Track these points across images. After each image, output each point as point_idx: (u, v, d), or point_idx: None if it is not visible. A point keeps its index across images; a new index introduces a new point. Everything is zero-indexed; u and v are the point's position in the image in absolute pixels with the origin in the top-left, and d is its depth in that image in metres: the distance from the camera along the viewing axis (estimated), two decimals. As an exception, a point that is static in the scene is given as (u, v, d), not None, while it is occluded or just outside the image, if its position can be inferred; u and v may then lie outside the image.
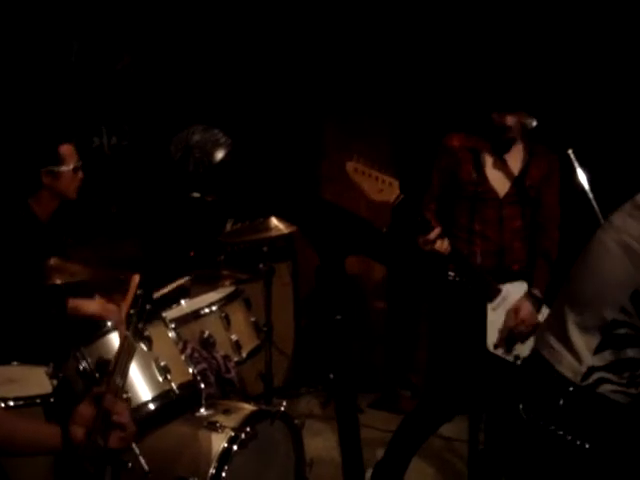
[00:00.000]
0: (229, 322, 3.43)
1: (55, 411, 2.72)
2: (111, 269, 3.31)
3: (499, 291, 3.30)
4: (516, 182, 3.40)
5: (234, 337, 3.43)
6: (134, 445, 2.59)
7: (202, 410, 3.02)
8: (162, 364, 2.87)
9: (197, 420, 2.97)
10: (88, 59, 4.51)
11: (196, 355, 3.13)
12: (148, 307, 2.07)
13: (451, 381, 3.44)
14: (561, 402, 2.06)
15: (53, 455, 2.01)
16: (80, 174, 3.38)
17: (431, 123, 4.77)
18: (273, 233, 4.05)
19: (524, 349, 3.28)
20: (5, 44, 4.14)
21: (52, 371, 2.82)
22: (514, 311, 3.31)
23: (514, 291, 3.35)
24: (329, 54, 5.16)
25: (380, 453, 3.65)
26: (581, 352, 2.06)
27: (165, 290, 3.30)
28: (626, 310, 2.00)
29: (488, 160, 3.42)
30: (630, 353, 2.02)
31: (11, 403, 2.63)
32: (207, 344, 3.26)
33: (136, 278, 2.14)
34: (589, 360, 2.04)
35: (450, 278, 3.29)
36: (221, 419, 2.95)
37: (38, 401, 2.72)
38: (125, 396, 2.62)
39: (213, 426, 2.90)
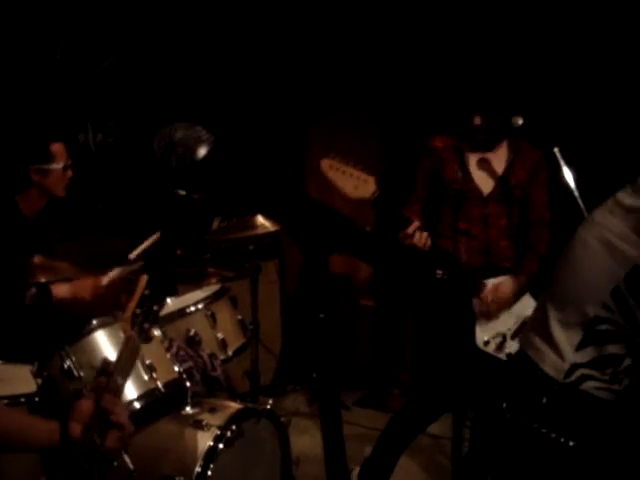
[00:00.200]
0: (215, 320, 3.42)
1: (39, 410, 2.71)
2: (97, 266, 3.31)
3: (485, 287, 3.30)
4: (501, 180, 3.41)
5: (220, 335, 3.42)
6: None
7: (188, 408, 3.01)
8: (147, 362, 2.86)
9: (183, 418, 2.96)
10: (74, 56, 4.48)
11: (182, 353, 3.12)
12: (155, 308, 2.07)
13: (439, 379, 3.44)
14: (544, 400, 2.07)
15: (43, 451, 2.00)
16: (69, 173, 3.37)
17: (417, 119, 4.78)
18: (259, 231, 4.04)
19: (516, 347, 3.29)
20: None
21: (37, 370, 2.81)
22: (493, 289, 3.31)
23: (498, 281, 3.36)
24: (314, 51, 5.16)
25: (367, 451, 3.65)
26: (563, 349, 2.06)
27: (138, 250, 3.28)
28: (608, 306, 2.01)
29: (472, 159, 3.43)
30: (612, 349, 2.03)
31: (-5, 401, 2.62)
32: (193, 342, 3.26)
33: (144, 278, 2.13)
34: (571, 357, 2.05)
35: (437, 276, 3.29)
36: (207, 417, 2.94)
37: (23, 400, 2.70)
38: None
39: (199, 424, 2.89)
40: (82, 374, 2.79)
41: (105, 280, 3.14)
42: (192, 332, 3.29)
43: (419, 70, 4.88)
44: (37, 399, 2.72)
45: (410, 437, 3.59)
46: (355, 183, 2.96)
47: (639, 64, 4.07)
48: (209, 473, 2.77)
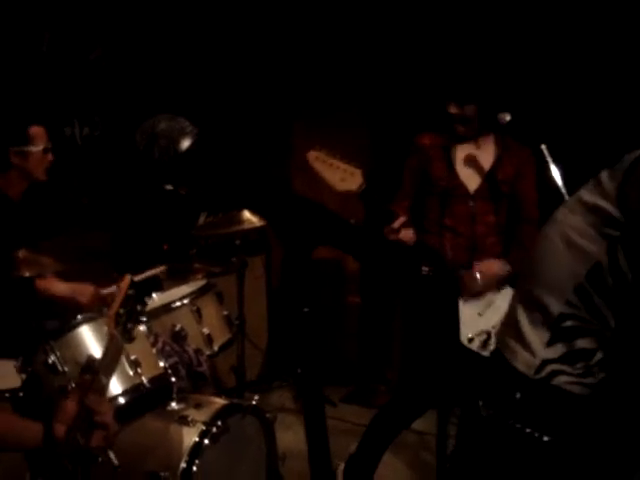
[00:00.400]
0: (201, 315, 3.40)
1: (23, 405, 2.70)
2: (82, 261, 3.29)
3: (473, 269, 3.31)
4: (488, 177, 3.41)
5: (206, 330, 3.41)
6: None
7: (173, 404, 3.01)
8: (132, 358, 2.85)
9: (168, 414, 2.95)
10: (60, 49, 4.45)
11: (167, 349, 3.11)
12: (139, 308, 2.06)
13: (424, 375, 3.44)
14: (517, 396, 2.08)
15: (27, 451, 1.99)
16: (50, 156, 3.36)
17: (403, 114, 4.77)
18: (246, 226, 4.04)
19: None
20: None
21: (21, 365, 2.79)
22: (484, 265, 3.32)
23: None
24: (300, 46, 5.15)
25: (353, 447, 3.65)
26: (534, 346, 2.07)
27: (143, 276, 3.26)
28: (572, 303, 2.02)
29: (459, 156, 3.43)
30: (581, 344, 2.04)
31: (-21, 397, 2.60)
32: (178, 337, 3.24)
33: (128, 278, 2.13)
34: (542, 353, 2.06)
35: (422, 273, 3.29)
36: (192, 413, 2.93)
37: (7, 395, 2.69)
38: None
39: (184, 420, 2.88)
40: (67, 369, 2.77)
41: (106, 291, 3.12)
42: (178, 327, 3.27)
43: (405, 65, 4.88)
44: (21, 394, 2.71)
45: (394, 433, 3.59)
46: (342, 175, 2.96)
47: (626, 61, 4.07)
48: (194, 469, 2.77)
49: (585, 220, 2.00)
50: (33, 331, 2.92)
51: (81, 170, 4.58)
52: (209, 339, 3.43)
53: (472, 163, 3.42)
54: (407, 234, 3.11)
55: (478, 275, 3.29)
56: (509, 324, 2.21)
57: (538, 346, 2.07)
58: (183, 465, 2.77)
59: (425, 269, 3.28)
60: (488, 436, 2.21)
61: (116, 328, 2.00)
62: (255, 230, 4.20)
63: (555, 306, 2.04)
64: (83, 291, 3.08)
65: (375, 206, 3.10)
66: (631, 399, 2.10)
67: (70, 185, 4.40)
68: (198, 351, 3.29)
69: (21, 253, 3.15)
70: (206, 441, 2.82)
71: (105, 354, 1.97)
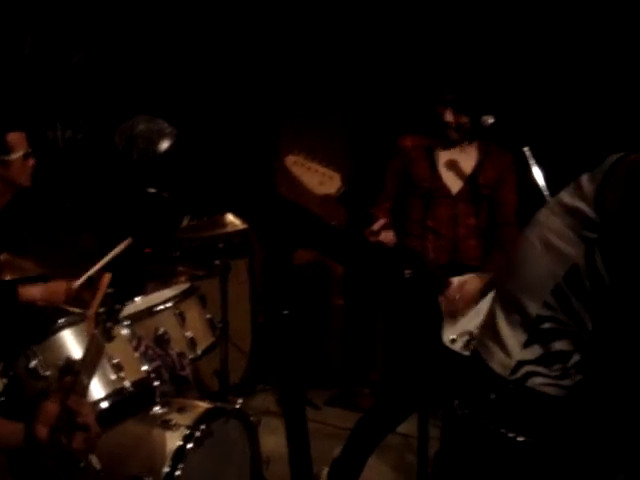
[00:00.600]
0: (184, 319, 3.39)
1: (5, 410, 2.68)
2: (65, 266, 3.27)
3: (451, 284, 3.31)
4: (469, 180, 3.42)
5: (189, 334, 3.40)
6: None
7: (156, 408, 2.99)
8: (115, 361, 2.84)
9: (151, 418, 2.94)
10: (42, 52, 4.43)
11: (150, 352, 3.10)
12: (117, 307, 2.05)
13: (408, 378, 3.44)
14: (492, 396, 2.09)
15: (5, 453, 1.98)
16: (31, 161, 3.32)
17: (387, 120, 4.78)
18: (229, 229, 4.02)
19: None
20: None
21: (2, 370, 2.77)
22: (459, 285, 3.32)
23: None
24: (284, 49, 5.14)
25: (337, 450, 3.64)
26: (510, 347, 2.08)
27: (109, 256, 3.24)
28: (549, 305, 2.03)
29: (442, 158, 3.44)
30: (558, 346, 2.05)
31: (-41, 402, 2.58)
32: (161, 341, 3.23)
33: (107, 277, 2.11)
34: (518, 355, 2.07)
35: (404, 275, 3.29)
36: (175, 417, 2.92)
37: (-12, 400, 2.67)
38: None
39: (167, 424, 2.87)
40: (48, 373, 2.75)
41: (77, 283, 3.11)
42: (161, 331, 3.26)
43: (387, 68, 4.89)
44: (3, 399, 2.69)
45: (379, 436, 3.59)
46: (320, 179, 2.97)
47: (607, 63, 4.10)
48: (177, 473, 2.76)
49: (564, 222, 2.01)
50: (14, 335, 2.90)
51: (64, 174, 4.56)
52: (192, 343, 3.41)
53: (454, 166, 3.43)
54: (387, 236, 3.12)
55: (457, 297, 3.30)
56: (488, 325, 2.22)
57: (515, 347, 2.08)
58: (166, 469, 2.76)
59: (406, 271, 3.28)
60: (464, 436, 2.22)
61: (96, 328, 1.99)
62: (238, 233, 4.19)
63: (533, 308, 2.05)
64: (56, 289, 3.07)
65: (355, 209, 3.11)
66: (608, 401, 2.11)
67: (53, 189, 4.38)
68: (181, 355, 3.27)
69: (3, 257, 3.12)
70: (189, 445, 2.81)
71: (86, 355, 1.96)
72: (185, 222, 4.51)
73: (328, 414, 4.84)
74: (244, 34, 5.10)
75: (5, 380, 2.76)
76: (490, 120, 3.30)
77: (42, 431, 1.83)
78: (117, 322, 2.11)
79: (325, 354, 5.39)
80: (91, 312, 2.04)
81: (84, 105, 4.68)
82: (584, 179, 2.01)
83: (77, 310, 3.00)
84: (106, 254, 3.23)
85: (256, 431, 3.15)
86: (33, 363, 2.75)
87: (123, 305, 2.08)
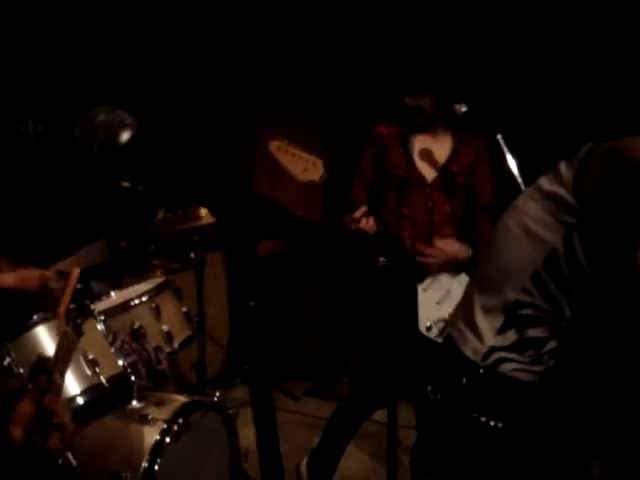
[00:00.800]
0: (160, 313, 3.37)
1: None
2: (37, 263, 3.24)
3: (428, 272, 3.32)
4: (444, 168, 3.43)
5: (165, 328, 3.38)
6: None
7: (133, 403, 2.98)
8: (90, 357, 2.81)
9: (128, 413, 2.93)
10: (10, 48, 4.38)
11: (126, 347, 3.08)
12: (87, 302, 2.03)
13: (384, 366, 3.45)
14: (464, 381, 2.10)
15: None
16: None
17: (365, 108, 4.77)
18: (204, 221, 4.01)
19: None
20: None
21: (-24, 368, 2.74)
22: (445, 242, 3.33)
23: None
24: (261, 38, 5.12)
25: (316, 440, 3.65)
26: (484, 333, 2.10)
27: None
28: (528, 291, 2.04)
29: (416, 147, 3.45)
30: (533, 333, 2.06)
31: None
32: (137, 335, 3.21)
33: (76, 272, 2.09)
34: (491, 340, 2.08)
35: (380, 263, 3.29)
36: (153, 411, 2.91)
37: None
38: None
39: (145, 419, 2.86)
40: (22, 371, 2.72)
41: (51, 271, 3.08)
42: (136, 325, 3.24)
43: (365, 56, 4.88)
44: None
45: (356, 425, 3.60)
46: (304, 165, 2.96)
47: (581, 49, 4.11)
48: (156, 468, 2.75)
49: (543, 208, 2.02)
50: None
51: (36, 169, 4.51)
52: (169, 336, 3.40)
53: (429, 154, 3.44)
54: (368, 223, 3.12)
55: (440, 247, 3.29)
56: (462, 310, 2.23)
57: (487, 332, 2.09)
58: (145, 464, 2.75)
59: (383, 259, 3.28)
60: (437, 421, 2.23)
61: (67, 325, 1.97)
62: (213, 226, 4.17)
63: (511, 293, 2.06)
64: (28, 277, 3.03)
65: (336, 196, 3.11)
66: (583, 387, 2.13)
67: (26, 185, 4.33)
68: (158, 349, 3.26)
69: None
70: (167, 439, 2.81)
71: (58, 353, 1.94)
72: (160, 215, 4.49)
73: (307, 405, 4.85)
74: (220, 23, 5.07)
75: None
76: (463, 108, 3.31)
77: (17, 432, 1.82)
78: (87, 318, 2.09)
79: (303, 345, 5.40)
80: (61, 309, 2.02)
81: (55, 100, 4.63)
82: (562, 166, 2.02)
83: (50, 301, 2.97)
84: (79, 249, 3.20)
85: (234, 424, 3.15)
86: (7, 361, 2.72)
87: (93, 301, 2.06)
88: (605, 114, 3.79)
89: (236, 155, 5.21)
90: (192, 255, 4.14)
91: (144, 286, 3.52)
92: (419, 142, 3.46)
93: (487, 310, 2.11)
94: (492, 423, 2.06)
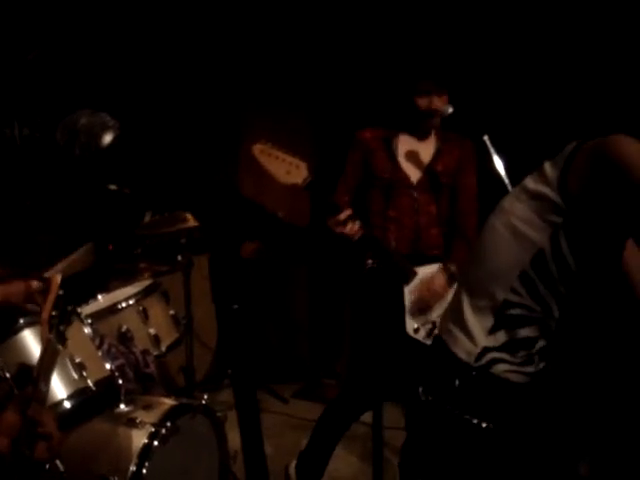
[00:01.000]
0: (147, 316, 3.36)
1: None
2: (25, 267, 3.21)
3: (415, 274, 3.32)
4: (428, 169, 3.44)
5: (152, 331, 3.37)
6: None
7: (121, 406, 2.96)
8: (77, 361, 2.80)
9: (116, 417, 2.91)
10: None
11: (113, 350, 3.07)
12: (69, 308, 2.01)
13: (372, 367, 3.45)
14: (457, 382, 2.10)
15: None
16: None
17: (350, 111, 4.78)
18: (191, 224, 3.99)
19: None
20: None
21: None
22: (428, 282, 3.33)
23: (430, 272, 3.38)
24: (247, 41, 5.11)
25: (305, 442, 3.65)
26: (475, 333, 2.09)
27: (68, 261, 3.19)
28: (516, 291, 2.05)
29: (401, 148, 3.46)
30: (524, 333, 2.07)
31: None
32: (125, 339, 3.20)
33: (57, 278, 2.07)
34: (483, 341, 2.08)
35: (368, 265, 3.30)
36: (141, 415, 2.89)
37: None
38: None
39: (133, 422, 2.85)
40: (8, 375, 2.70)
41: (36, 284, 3.06)
42: (124, 328, 3.23)
43: (350, 59, 4.88)
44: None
45: (344, 426, 3.60)
46: (287, 168, 2.97)
47: (567, 50, 4.12)
48: (144, 471, 2.74)
49: (529, 208, 2.03)
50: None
51: (22, 172, 4.49)
52: (156, 339, 3.39)
53: (413, 156, 3.45)
54: (352, 228, 3.12)
55: (427, 293, 3.32)
56: (452, 311, 2.23)
57: (479, 332, 2.09)
58: (133, 468, 2.73)
59: (369, 261, 3.29)
60: (428, 422, 2.23)
61: (51, 332, 1.95)
62: (200, 228, 4.16)
63: (500, 293, 2.06)
64: (14, 291, 3.01)
65: (320, 199, 3.12)
66: (571, 387, 2.13)
67: (13, 188, 4.31)
68: (145, 352, 3.25)
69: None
70: (155, 443, 2.79)
71: (42, 361, 1.92)
72: (147, 218, 4.47)
73: (295, 407, 4.85)
74: (206, 27, 5.05)
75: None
76: (449, 109, 3.32)
77: (3, 442, 1.80)
78: (72, 322, 2.07)
79: (291, 347, 5.39)
80: (44, 315, 2.01)
81: (41, 103, 4.61)
82: (547, 166, 2.03)
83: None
84: (66, 255, 3.19)
85: (223, 426, 3.14)
86: (-7, 365, 2.70)
87: (77, 306, 2.05)
88: (590, 114, 3.80)
89: (222, 158, 5.20)
90: (179, 258, 4.13)
91: (131, 289, 3.51)
92: (403, 144, 3.47)
93: (477, 311, 2.11)
94: (484, 425, 2.06)
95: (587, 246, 1.98)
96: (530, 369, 2.08)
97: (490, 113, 3.84)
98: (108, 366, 2.95)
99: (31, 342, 2.79)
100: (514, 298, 2.05)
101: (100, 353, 2.96)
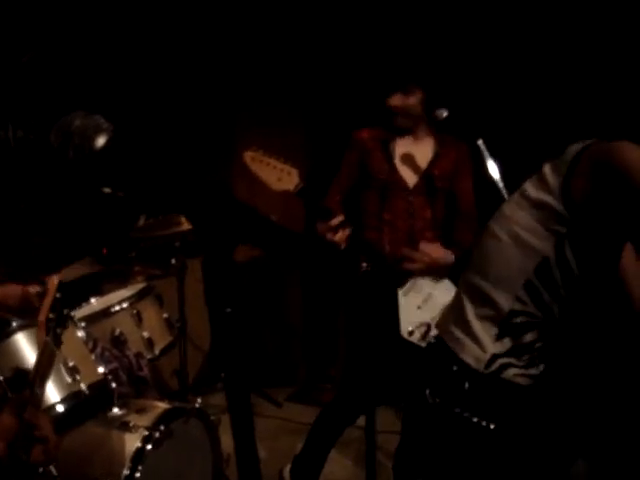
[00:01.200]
0: (141, 319, 3.36)
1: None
2: (16, 268, 3.21)
3: (409, 276, 3.32)
4: (425, 173, 3.44)
5: (146, 334, 3.37)
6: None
7: (114, 410, 2.96)
8: (71, 364, 2.79)
9: (109, 420, 2.91)
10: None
11: (107, 354, 3.07)
12: (67, 312, 2.01)
13: (367, 371, 3.44)
14: (466, 386, 2.10)
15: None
16: None
17: (344, 116, 4.77)
18: (185, 227, 3.99)
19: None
20: None
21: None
22: (430, 249, 3.32)
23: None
24: (240, 45, 5.11)
25: (299, 446, 3.64)
26: (483, 340, 2.09)
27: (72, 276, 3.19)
28: (521, 299, 2.05)
29: (398, 151, 3.45)
30: (528, 338, 2.08)
31: None
32: (118, 342, 3.20)
33: (54, 280, 2.07)
34: (491, 348, 2.08)
35: (362, 269, 3.30)
36: (134, 418, 2.89)
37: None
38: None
39: (126, 426, 2.84)
40: (1, 378, 2.70)
41: (34, 289, 3.05)
42: (117, 332, 3.23)
43: (344, 64, 4.88)
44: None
45: (339, 430, 3.59)
46: (278, 175, 2.97)
47: (561, 55, 4.13)
48: (137, 475, 2.73)
49: (532, 217, 2.02)
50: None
51: (16, 174, 4.48)
52: (150, 343, 3.39)
53: (410, 159, 3.45)
54: (342, 236, 3.11)
55: (429, 253, 3.29)
56: (455, 316, 2.22)
57: (486, 339, 2.09)
58: (126, 472, 2.73)
59: (363, 265, 3.28)
60: (434, 424, 2.23)
61: (47, 335, 1.95)
62: (193, 231, 4.15)
63: (505, 302, 2.06)
64: (11, 294, 3.01)
65: (313, 205, 3.11)
66: (569, 389, 2.14)
67: (7, 191, 4.30)
68: (139, 355, 3.25)
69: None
70: (149, 446, 2.79)
71: (38, 364, 1.92)
72: (141, 221, 4.46)
73: (290, 411, 4.84)
74: (200, 30, 5.05)
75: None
76: (444, 114, 3.32)
77: None
78: (67, 328, 2.05)
79: (285, 351, 5.39)
80: (41, 318, 2.00)
81: (35, 105, 4.60)
82: (547, 170, 2.02)
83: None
84: (60, 257, 3.18)
85: (217, 430, 3.14)
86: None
87: (72, 309, 2.04)
88: (586, 117, 3.80)
89: (216, 162, 5.19)
90: (173, 261, 4.12)
91: (125, 292, 3.51)
92: (401, 146, 3.47)
93: (482, 318, 2.10)
94: (492, 426, 2.06)
95: (590, 252, 1.98)
96: (533, 371, 2.09)
97: (485, 117, 3.85)
98: (101, 370, 2.95)
99: (25, 345, 2.79)
100: (519, 307, 2.05)
101: (93, 356, 2.96)
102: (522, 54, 4.25)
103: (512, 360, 2.07)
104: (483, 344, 2.09)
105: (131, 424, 2.84)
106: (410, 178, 3.43)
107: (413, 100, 3.34)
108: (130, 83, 4.83)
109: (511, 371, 2.07)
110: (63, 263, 3.08)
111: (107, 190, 3.31)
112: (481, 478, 2.14)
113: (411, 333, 3.29)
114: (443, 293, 3.38)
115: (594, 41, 3.99)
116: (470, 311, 2.14)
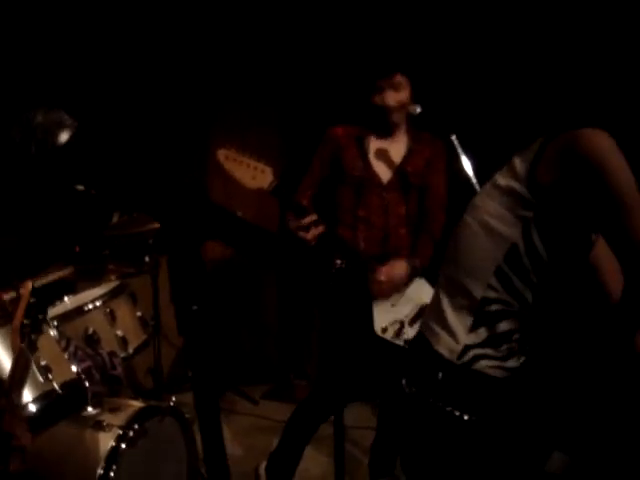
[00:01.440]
0: (114, 317, 3.32)
1: None
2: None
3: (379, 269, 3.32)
4: (398, 169, 3.44)
5: (120, 333, 3.34)
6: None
7: (88, 409, 2.94)
8: (43, 363, 2.75)
9: (83, 420, 2.88)
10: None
11: (80, 353, 3.03)
12: (41, 317, 1.98)
13: (341, 368, 3.44)
14: (440, 376, 2.11)
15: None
16: None
17: (318, 114, 4.77)
18: (158, 224, 3.96)
19: (413, 333, 3.32)
20: None
21: None
22: (387, 269, 3.33)
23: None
24: (215, 43, 5.09)
25: (275, 443, 3.64)
26: (457, 331, 2.11)
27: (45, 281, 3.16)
28: (492, 286, 2.07)
29: (372, 147, 3.46)
30: (503, 327, 2.09)
31: None
32: (91, 341, 3.16)
33: (28, 285, 2.04)
34: (464, 339, 2.10)
35: (337, 266, 3.30)
36: (108, 418, 2.87)
37: None
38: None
39: (100, 425, 2.82)
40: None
41: (9, 296, 3.01)
42: (90, 330, 3.19)
43: (318, 62, 4.88)
44: None
45: (314, 427, 3.59)
46: (252, 173, 2.97)
47: (536, 49, 4.15)
48: (112, 475, 2.72)
49: (500, 204, 2.05)
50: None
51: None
52: (123, 341, 3.35)
53: (384, 155, 3.45)
54: (314, 233, 3.11)
55: (383, 278, 3.31)
56: (433, 309, 2.24)
57: (460, 330, 2.10)
58: (100, 471, 2.71)
59: (337, 262, 3.28)
60: (410, 414, 2.24)
61: (22, 342, 1.92)
62: (159, 229, 4.12)
63: (477, 291, 2.08)
64: None
65: (286, 202, 3.11)
66: (545, 379, 2.15)
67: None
68: (112, 354, 3.21)
69: None
70: (123, 445, 2.78)
71: (14, 371, 1.89)
72: (115, 218, 4.43)
73: (266, 408, 4.84)
74: (174, 29, 5.02)
75: None
76: (418, 109, 3.32)
77: None
78: (41, 332, 2.01)
79: (261, 348, 5.38)
80: (16, 323, 1.97)
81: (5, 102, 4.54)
82: (516, 159, 2.05)
83: None
84: (36, 262, 3.15)
85: (191, 428, 3.13)
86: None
87: (46, 314, 2.01)
88: (558, 112, 3.82)
89: (190, 161, 5.17)
90: (147, 259, 4.09)
91: (98, 290, 3.48)
92: (375, 143, 3.47)
93: (457, 309, 2.12)
94: (465, 417, 2.07)
95: (557, 237, 2.00)
96: (512, 363, 2.10)
97: (458, 113, 3.86)
98: (74, 368, 2.92)
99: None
100: (491, 294, 2.07)
101: (66, 355, 2.92)
102: (495, 50, 4.27)
103: (488, 351, 2.08)
104: (456, 335, 2.11)
105: (105, 423, 2.82)
106: (384, 174, 3.44)
107: (403, 95, 3.35)
108: (106, 80, 4.79)
109: (484, 362, 2.08)
110: (38, 267, 3.04)
111: (80, 187, 3.28)
112: (455, 468, 2.16)
113: (385, 330, 3.30)
114: (416, 291, 3.40)
115: (558, 37, 4.02)
116: (446, 302, 2.16)
